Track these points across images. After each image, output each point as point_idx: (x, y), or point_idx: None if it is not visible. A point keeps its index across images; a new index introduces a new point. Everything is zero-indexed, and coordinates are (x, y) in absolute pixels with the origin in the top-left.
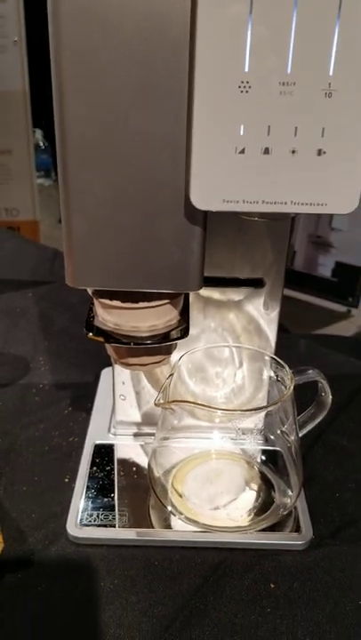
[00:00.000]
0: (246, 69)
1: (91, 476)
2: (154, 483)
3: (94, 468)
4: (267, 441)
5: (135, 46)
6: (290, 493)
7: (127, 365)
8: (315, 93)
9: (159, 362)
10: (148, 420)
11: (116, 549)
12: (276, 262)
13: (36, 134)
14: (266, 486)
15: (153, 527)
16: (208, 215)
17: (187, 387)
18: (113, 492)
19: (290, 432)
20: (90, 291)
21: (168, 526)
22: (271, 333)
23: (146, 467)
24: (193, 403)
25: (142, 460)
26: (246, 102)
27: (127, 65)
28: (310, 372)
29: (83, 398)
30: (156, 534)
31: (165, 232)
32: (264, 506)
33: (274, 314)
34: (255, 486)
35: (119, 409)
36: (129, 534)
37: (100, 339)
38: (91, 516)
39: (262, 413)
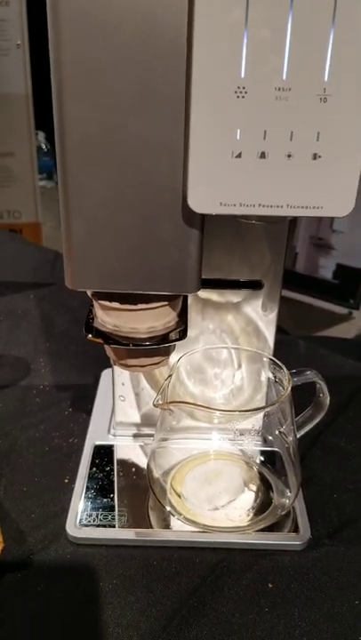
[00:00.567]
0: (242, 75)
1: (90, 477)
2: (153, 483)
3: (94, 469)
4: (265, 442)
5: (134, 51)
6: (288, 494)
7: (126, 367)
8: (310, 98)
9: (158, 363)
10: (147, 420)
11: (115, 549)
12: (274, 264)
13: (38, 137)
14: (264, 487)
15: (152, 527)
16: (206, 218)
17: (185, 388)
18: (112, 493)
19: (288, 433)
20: (89, 293)
21: (167, 526)
22: (269, 335)
23: (145, 467)
24: (192, 404)
25: (142, 461)
26: (243, 107)
27: (126, 70)
28: (308, 373)
29: (83, 399)
30: (155, 534)
31: (164, 235)
32: (262, 506)
33: (272, 315)
34: (254, 487)
35: (119, 410)
36: (128, 534)
37: (100, 340)
38: (90, 516)
39: (260, 414)
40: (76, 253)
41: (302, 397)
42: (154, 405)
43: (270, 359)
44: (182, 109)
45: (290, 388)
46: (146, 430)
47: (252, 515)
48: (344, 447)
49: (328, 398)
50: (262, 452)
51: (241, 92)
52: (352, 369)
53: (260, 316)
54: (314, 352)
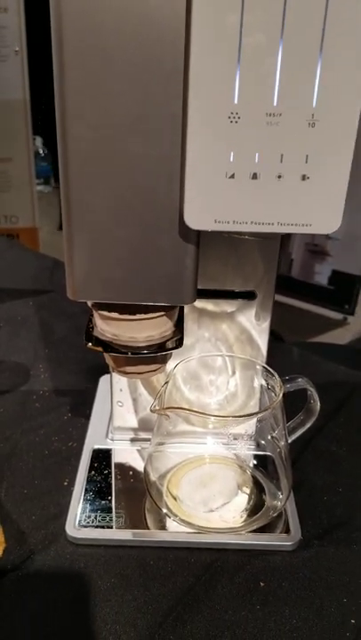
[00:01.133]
0: (236, 101)
1: (89, 480)
2: (150, 486)
3: (92, 472)
4: (258, 446)
5: (134, 77)
6: (280, 496)
7: (125, 374)
8: (299, 123)
9: (155, 370)
10: (144, 425)
11: (112, 549)
12: (267, 275)
13: (35, 142)
14: (257, 489)
15: (148, 528)
16: (201, 233)
17: (182, 394)
18: (110, 495)
19: (280, 437)
20: (89, 303)
21: (163, 528)
22: (262, 343)
23: (142, 471)
24: (187, 409)
25: (139, 465)
26: (236, 131)
27: (127, 94)
28: (300, 380)
29: (81, 405)
30: (152, 535)
31: (161, 249)
32: (255, 508)
33: (265, 324)
34: (247, 489)
35: (117, 415)
36: (125, 535)
37: (99, 348)
38: (89, 517)
39: (254, 420)
40: (77, 266)
41: (294, 403)
42: (151, 411)
43: (263, 366)
44: (180, 132)
45: (281, 395)
46: (143, 435)
47: (245, 516)
48: (335, 451)
49: (318, 404)
50: (255, 456)
51: (234, 117)
52: (343, 375)
53: (254, 325)
54: (307, 359)
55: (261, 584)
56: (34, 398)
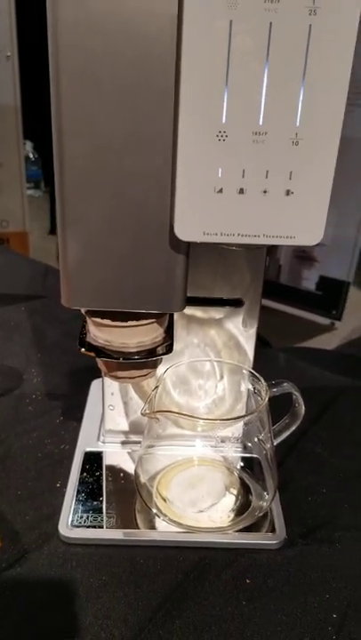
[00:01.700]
0: (224, 120)
1: (81, 481)
2: (140, 487)
3: (84, 474)
4: (245, 448)
5: (126, 100)
6: (266, 497)
7: (116, 378)
8: (284, 142)
9: (146, 375)
10: (135, 428)
11: (104, 549)
12: (254, 283)
13: (25, 146)
14: (244, 490)
15: (139, 528)
16: (191, 244)
17: (171, 398)
18: (102, 496)
19: (266, 440)
20: (83, 310)
21: (153, 527)
22: (249, 349)
23: (133, 472)
24: (177, 413)
25: (129, 467)
26: (224, 149)
27: (119, 115)
28: (285, 384)
29: (73, 408)
30: (142, 535)
31: (152, 259)
32: (242, 508)
33: (252, 331)
34: (234, 490)
35: (108, 418)
36: (116, 535)
37: (92, 354)
38: (81, 517)
39: (240, 423)
40: (71, 275)
41: (280, 407)
42: (141, 414)
43: (250, 371)
44: (170, 148)
45: (267, 399)
46: (134, 438)
47: (232, 516)
48: (319, 453)
49: (303, 408)
50: (242, 458)
51: (222, 136)
52: (328, 380)
53: (241, 331)
54: (293, 364)
55: (247, 581)
56: (27, 402)
